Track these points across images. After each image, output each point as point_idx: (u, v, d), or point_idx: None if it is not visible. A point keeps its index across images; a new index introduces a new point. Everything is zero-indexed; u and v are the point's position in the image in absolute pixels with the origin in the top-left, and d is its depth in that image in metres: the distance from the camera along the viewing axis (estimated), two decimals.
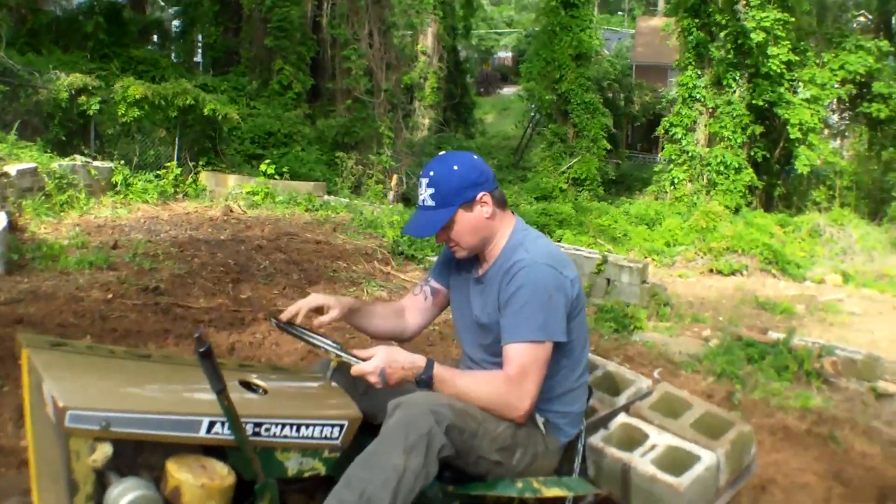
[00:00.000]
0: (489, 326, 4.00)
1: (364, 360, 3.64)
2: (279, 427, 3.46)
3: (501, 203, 4.10)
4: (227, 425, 3.25)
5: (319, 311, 4.16)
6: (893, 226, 30.66)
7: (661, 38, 39.98)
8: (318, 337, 3.93)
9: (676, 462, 4.17)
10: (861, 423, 8.62)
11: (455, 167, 3.96)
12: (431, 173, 3.96)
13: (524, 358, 3.78)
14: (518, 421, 3.85)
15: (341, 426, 3.63)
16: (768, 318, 16.77)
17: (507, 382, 3.79)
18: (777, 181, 34.54)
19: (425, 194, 3.95)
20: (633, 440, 4.39)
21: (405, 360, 3.68)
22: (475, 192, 3.96)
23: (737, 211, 30.39)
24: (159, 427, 3.13)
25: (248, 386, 3.65)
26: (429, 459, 3.46)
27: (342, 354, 3.73)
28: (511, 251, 4.00)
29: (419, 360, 3.71)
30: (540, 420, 4.03)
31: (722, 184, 31.57)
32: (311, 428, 3.55)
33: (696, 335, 13.41)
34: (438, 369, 3.74)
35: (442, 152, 4.28)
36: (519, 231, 4.11)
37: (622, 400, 4.77)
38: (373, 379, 3.60)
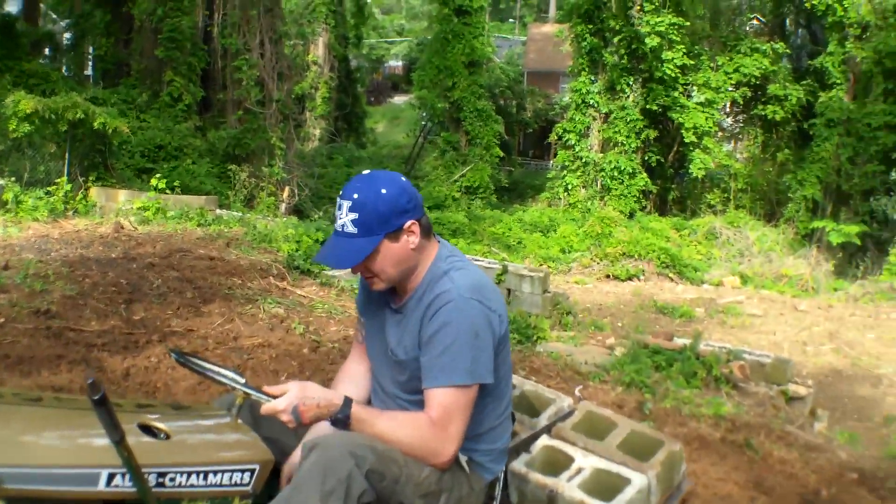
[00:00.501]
0: (406, 363, 3.63)
1: (275, 397, 3.33)
2: (185, 475, 3.15)
3: (428, 231, 3.66)
4: (128, 477, 2.95)
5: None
6: (790, 227, 31.14)
7: (553, 45, 40.26)
8: (222, 371, 3.50)
9: (605, 486, 3.92)
10: (776, 429, 8.52)
11: (383, 191, 3.50)
12: (355, 196, 3.48)
13: (449, 402, 3.44)
14: (441, 467, 3.51)
15: (252, 471, 3.32)
16: (668, 322, 16.84)
17: (430, 427, 3.44)
18: (671, 185, 34.96)
19: (346, 219, 3.46)
20: (557, 464, 4.14)
21: (320, 397, 3.34)
22: (403, 221, 3.52)
23: (631, 216, 30.68)
24: (56, 482, 2.85)
25: (148, 430, 3.28)
26: None
27: (249, 392, 3.39)
28: (433, 282, 3.61)
29: (335, 398, 3.37)
30: (463, 459, 3.67)
31: (616, 189, 31.77)
32: (219, 475, 3.24)
33: (600, 343, 13.30)
34: (357, 409, 3.40)
35: (366, 171, 3.71)
36: (442, 259, 3.69)
37: (543, 421, 4.52)
38: (284, 418, 3.29)
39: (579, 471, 4.03)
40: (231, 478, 3.26)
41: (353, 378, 4.04)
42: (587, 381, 9.30)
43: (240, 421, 3.54)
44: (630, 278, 22.60)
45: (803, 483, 6.79)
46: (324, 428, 3.55)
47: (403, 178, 3.61)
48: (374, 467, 3.26)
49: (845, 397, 12.78)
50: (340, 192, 3.55)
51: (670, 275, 23.14)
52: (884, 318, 18.84)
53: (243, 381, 3.47)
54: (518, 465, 4.11)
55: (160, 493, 3.07)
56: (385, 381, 3.82)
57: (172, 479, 3.12)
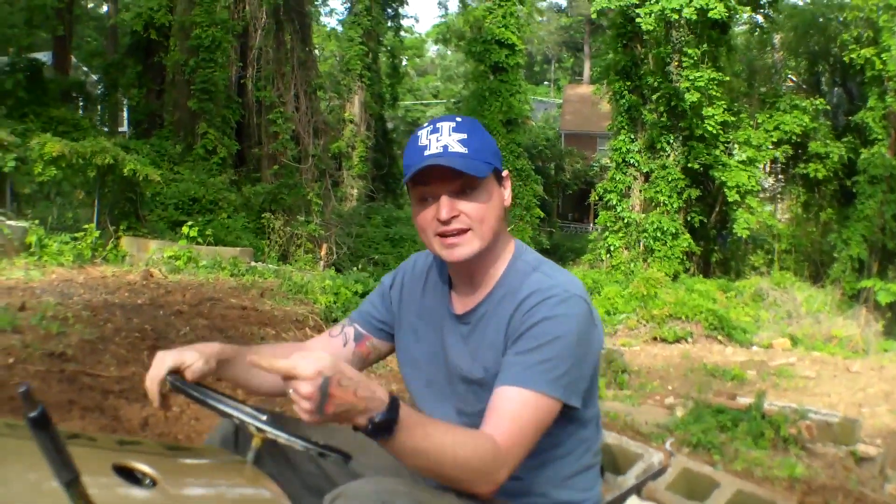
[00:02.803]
0: (485, 382, 2.69)
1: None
2: None
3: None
4: None
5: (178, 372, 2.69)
6: (836, 287, 30.51)
7: (590, 105, 40.04)
8: (238, 406, 2.54)
9: None
10: (853, 490, 8.00)
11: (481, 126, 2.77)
12: (458, 119, 2.72)
13: (526, 412, 2.51)
14: (484, 495, 2.49)
15: None
16: (719, 384, 16.27)
17: (495, 442, 2.44)
18: (714, 246, 34.42)
19: (450, 139, 2.63)
20: None
21: (360, 384, 2.17)
22: (501, 166, 2.76)
23: (675, 277, 30.00)
24: None
25: (127, 474, 2.27)
26: None
27: (267, 429, 2.42)
28: (522, 277, 2.74)
29: (380, 391, 2.22)
30: None
31: (659, 250, 31.18)
32: None
33: (658, 403, 12.78)
34: (407, 411, 2.27)
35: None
36: (524, 253, 2.86)
37: (631, 479, 3.73)
38: (305, 391, 2.09)
39: None
40: None
41: (285, 348, 3.17)
42: (650, 442, 8.71)
43: (253, 466, 2.57)
44: (678, 340, 21.95)
45: None
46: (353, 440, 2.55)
47: None
48: None
49: None
50: (424, 126, 2.76)
51: (719, 337, 22.48)
52: None
53: (265, 417, 2.49)
54: None
55: None
56: (444, 412, 2.84)
57: None
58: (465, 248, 2.64)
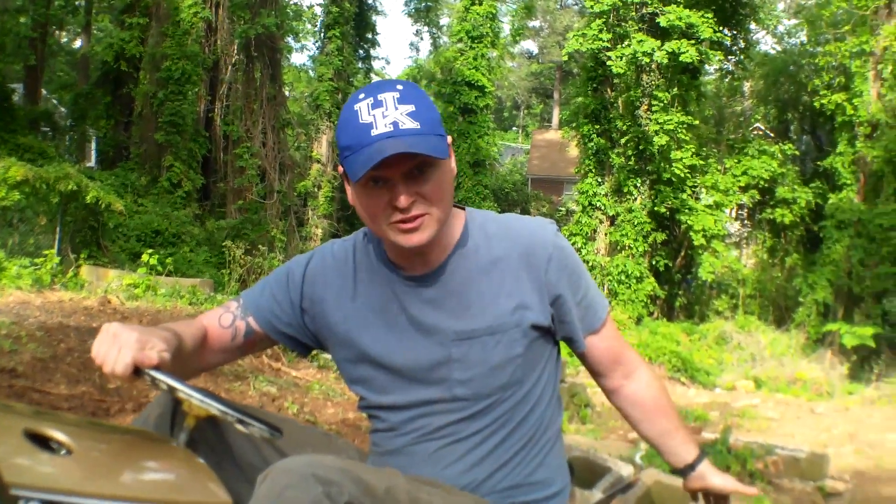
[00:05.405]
0: (501, 328, 2.55)
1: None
2: None
3: None
4: None
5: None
6: (801, 331, 30.54)
7: (557, 149, 40.11)
8: (229, 405, 2.30)
9: None
10: None
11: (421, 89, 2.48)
12: (399, 87, 2.40)
13: (615, 331, 2.87)
14: None
15: None
16: None
17: (643, 367, 2.91)
18: (678, 291, 34.44)
19: (397, 114, 2.34)
20: None
21: None
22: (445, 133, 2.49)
23: (639, 321, 30.02)
24: None
25: (40, 441, 2.11)
26: None
27: (190, 392, 2.25)
28: (482, 226, 2.66)
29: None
30: None
31: (623, 293, 31.11)
32: None
33: (622, 438, 12.76)
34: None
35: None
36: (475, 210, 2.75)
37: (597, 493, 3.57)
38: None
39: None
40: None
41: (194, 328, 2.70)
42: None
43: (185, 447, 2.40)
44: None
45: None
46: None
47: None
48: (356, 502, 2.09)
49: (872, 499, 12.17)
50: (358, 94, 2.43)
51: (682, 379, 22.57)
52: None
53: (267, 429, 2.32)
54: None
55: None
56: (428, 394, 2.61)
57: None
58: (425, 232, 2.44)
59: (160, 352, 2.28)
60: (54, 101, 41.12)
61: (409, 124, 2.33)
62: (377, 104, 2.35)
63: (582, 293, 2.68)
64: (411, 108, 2.36)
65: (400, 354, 2.62)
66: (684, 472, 2.85)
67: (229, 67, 31.07)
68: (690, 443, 2.83)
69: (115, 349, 2.23)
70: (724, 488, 2.83)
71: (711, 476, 2.85)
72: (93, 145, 35.00)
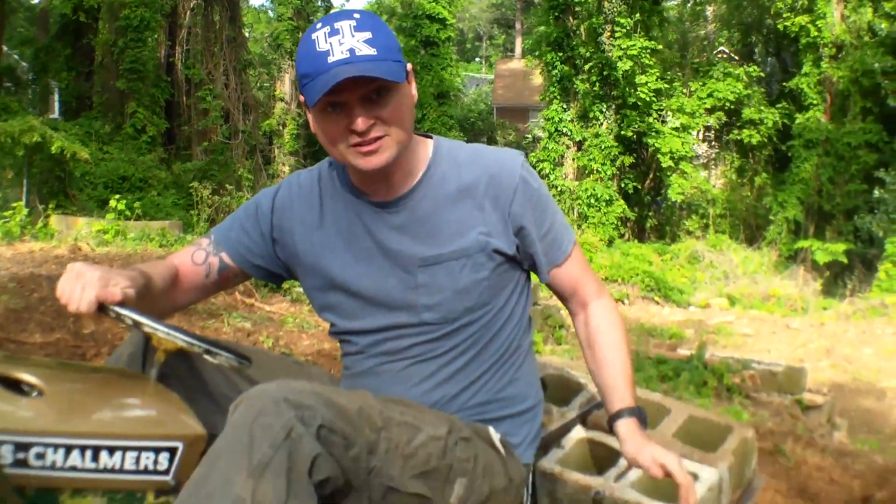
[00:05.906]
0: (465, 253, 2.58)
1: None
2: (63, 452, 2.05)
3: None
4: None
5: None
6: (772, 249, 30.72)
7: (521, 79, 40.04)
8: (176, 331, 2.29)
9: (664, 484, 2.92)
10: (803, 436, 7.98)
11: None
12: (356, 16, 2.41)
13: (582, 260, 2.88)
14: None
15: (172, 450, 2.18)
16: (658, 344, 16.25)
17: (605, 297, 2.93)
18: (648, 212, 34.54)
19: (354, 41, 2.35)
20: (599, 460, 3.16)
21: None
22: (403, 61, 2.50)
23: (610, 243, 30.06)
24: None
25: (10, 384, 2.16)
26: (294, 485, 1.99)
27: (157, 326, 2.25)
28: (450, 154, 2.68)
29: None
30: (496, 437, 2.65)
31: (593, 216, 31.13)
32: (120, 454, 2.12)
33: None
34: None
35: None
36: (444, 139, 2.76)
37: (574, 409, 3.56)
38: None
39: (629, 467, 3.07)
40: (140, 459, 2.15)
41: (165, 269, 2.70)
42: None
43: (157, 383, 2.39)
44: (615, 302, 22.02)
45: (847, 489, 6.32)
46: None
47: None
48: (329, 424, 2.10)
49: (851, 411, 12.22)
50: (316, 24, 2.46)
51: (656, 298, 22.57)
52: (878, 334, 18.40)
53: (237, 358, 2.34)
54: (549, 462, 3.06)
55: (20, 476, 2.02)
56: (396, 318, 2.65)
57: (41, 457, 2.04)
58: (384, 154, 2.45)
59: (124, 288, 2.29)
60: (16, 57, 40.92)
61: (366, 51, 2.35)
62: (334, 32, 2.38)
63: (546, 227, 2.70)
64: (368, 34, 2.38)
65: (367, 280, 2.67)
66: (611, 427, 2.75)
67: (188, 12, 30.94)
68: (626, 392, 2.76)
69: (79, 287, 2.24)
70: (633, 459, 2.65)
71: (625, 441, 2.68)
72: (56, 97, 34.75)
